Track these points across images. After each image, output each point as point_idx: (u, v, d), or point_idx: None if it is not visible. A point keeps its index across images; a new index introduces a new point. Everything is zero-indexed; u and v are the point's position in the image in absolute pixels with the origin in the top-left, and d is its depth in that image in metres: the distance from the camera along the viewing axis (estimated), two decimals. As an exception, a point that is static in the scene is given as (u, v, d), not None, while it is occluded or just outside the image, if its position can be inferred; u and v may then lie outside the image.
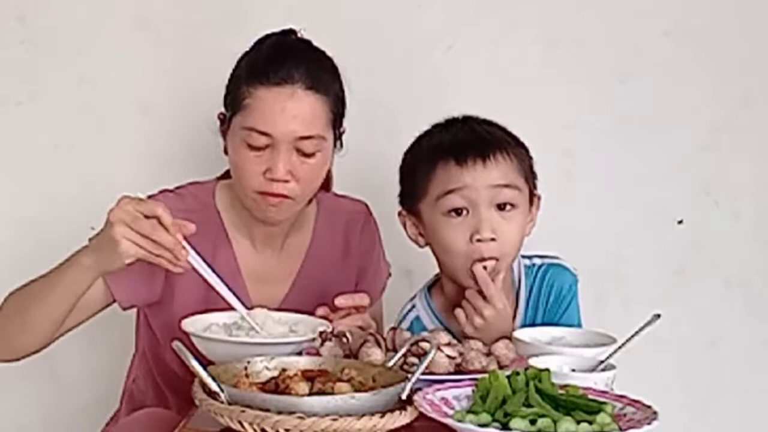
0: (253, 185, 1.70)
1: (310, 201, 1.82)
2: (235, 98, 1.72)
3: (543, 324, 1.73)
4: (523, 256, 1.81)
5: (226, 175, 1.85)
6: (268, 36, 1.76)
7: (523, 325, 1.73)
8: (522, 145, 1.76)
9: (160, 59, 2.24)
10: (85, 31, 2.24)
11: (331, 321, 1.63)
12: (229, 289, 1.63)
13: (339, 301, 1.66)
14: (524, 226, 1.73)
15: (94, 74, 2.24)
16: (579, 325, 1.77)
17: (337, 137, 1.79)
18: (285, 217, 1.76)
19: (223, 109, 1.78)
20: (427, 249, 1.79)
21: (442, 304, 1.80)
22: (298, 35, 1.77)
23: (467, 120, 1.78)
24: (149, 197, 1.73)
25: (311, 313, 1.66)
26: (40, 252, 2.27)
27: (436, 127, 1.78)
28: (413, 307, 1.81)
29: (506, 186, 1.68)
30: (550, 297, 1.78)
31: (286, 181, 1.69)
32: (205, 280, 1.62)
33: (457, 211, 1.68)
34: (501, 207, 1.68)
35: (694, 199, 2.29)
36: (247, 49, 1.77)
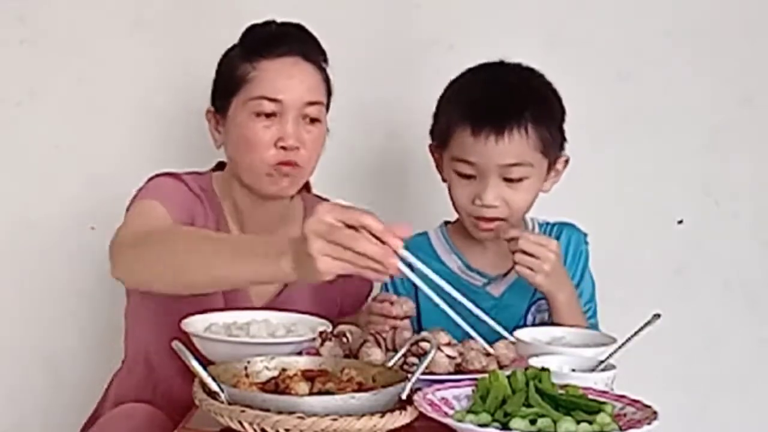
0: (267, 158, 1.73)
1: (303, 187, 1.84)
2: (234, 78, 1.76)
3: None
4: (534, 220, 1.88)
5: (217, 168, 1.87)
6: (254, 25, 1.81)
7: None
8: (549, 108, 1.76)
9: (159, 59, 2.24)
10: (85, 31, 2.24)
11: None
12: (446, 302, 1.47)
13: None
14: (536, 190, 1.76)
15: (94, 74, 2.25)
16: (593, 286, 1.84)
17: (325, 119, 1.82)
18: (294, 191, 1.79)
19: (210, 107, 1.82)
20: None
21: (455, 229, 1.86)
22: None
23: (499, 70, 1.79)
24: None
25: (310, 313, 1.66)
26: (41, 252, 2.28)
27: (470, 73, 1.81)
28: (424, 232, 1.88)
29: (517, 164, 1.72)
30: (567, 254, 1.82)
31: (297, 149, 1.73)
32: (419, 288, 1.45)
33: (467, 176, 1.74)
34: (509, 179, 1.72)
35: (694, 199, 2.29)
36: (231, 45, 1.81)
